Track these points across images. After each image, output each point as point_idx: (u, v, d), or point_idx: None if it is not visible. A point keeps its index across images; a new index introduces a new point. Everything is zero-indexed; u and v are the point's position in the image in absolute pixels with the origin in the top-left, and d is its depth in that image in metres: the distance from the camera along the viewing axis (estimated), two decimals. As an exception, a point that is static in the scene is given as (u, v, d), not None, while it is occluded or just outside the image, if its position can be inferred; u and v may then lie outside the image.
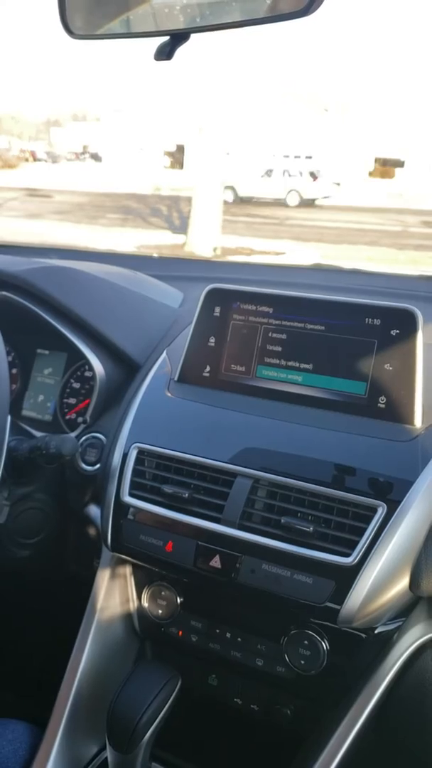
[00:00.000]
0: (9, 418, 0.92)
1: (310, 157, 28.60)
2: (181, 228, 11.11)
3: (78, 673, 0.96)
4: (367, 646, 0.87)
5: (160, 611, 0.99)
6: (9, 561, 1.07)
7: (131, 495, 0.95)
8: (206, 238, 9.33)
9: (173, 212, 14.47)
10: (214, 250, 9.20)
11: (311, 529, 0.83)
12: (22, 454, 1.00)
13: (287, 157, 28.42)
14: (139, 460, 0.98)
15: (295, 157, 28.46)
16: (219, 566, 0.87)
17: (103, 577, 1.03)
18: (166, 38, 0.62)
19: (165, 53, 0.62)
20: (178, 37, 0.62)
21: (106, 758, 0.86)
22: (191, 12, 0.63)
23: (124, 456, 0.99)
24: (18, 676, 1.12)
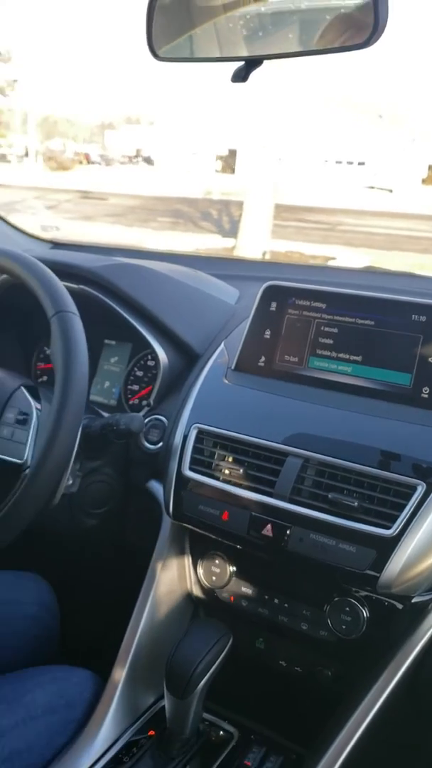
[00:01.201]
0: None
1: (362, 164, 28.47)
2: (231, 232, 11.22)
3: (138, 631, 1.06)
4: (403, 615, 0.95)
5: (213, 578, 1.09)
6: (78, 528, 1.18)
7: (191, 470, 1.06)
8: (256, 243, 9.42)
9: (223, 216, 14.59)
10: (264, 254, 9.28)
11: (356, 503, 0.92)
12: (94, 430, 1.11)
13: (339, 163, 28.36)
14: (198, 439, 1.07)
15: (348, 163, 28.38)
16: (270, 535, 0.96)
17: (162, 546, 1.13)
18: (242, 63, 0.72)
19: (240, 76, 0.72)
20: (252, 63, 0.72)
21: (163, 707, 0.97)
22: (264, 41, 0.73)
23: (185, 435, 1.09)
24: (82, 634, 1.23)
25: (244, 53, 0.75)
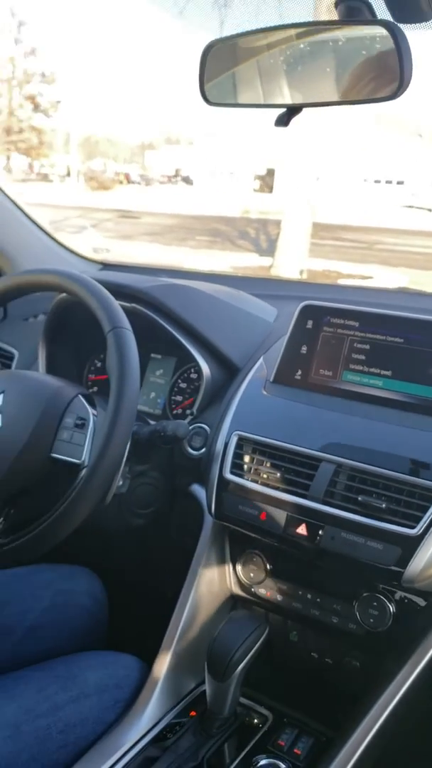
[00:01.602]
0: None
1: (401, 183, 28.45)
2: (268, 251, 11.34)
3: (181, 622, 1.15)
4: (426, 611, 1.02)
5: (251, 575, 1.18)
6: (127, 527, 1.28)
7: (232, 473, 1.15)
8: (293, 261, 9.52)
9: (261, 235, 14.75)
10: (301, 273, 9.37)
11: (383, 505, 1.00)
12: (142, 436, 1.21)
13: (378, 182, 28.39)
14: (239, 445, 1.17)
15: (387, 182, 28.40)
16: (305, 533, 1.05)
17: (204, 545, 1.22)
18: (284, 110, 0.82)
19: (283, 122, 0.82)
20: (293, 110, 0.82)
21: (203, 691, 1.06)
22: (303, 91, 0.83)
23: (226, 442, 1.18)
24: (129, 623, 1.32)
25: (286, 101, 0.85)
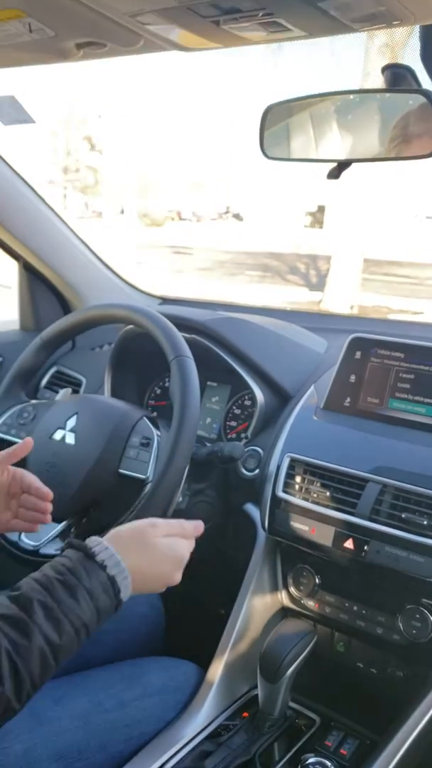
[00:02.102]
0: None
1: (452, 219, 28.28)
2: (318, 286, 11.44)
3: (235, 630, 1.24)
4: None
5: (301, 588, 1.26)
6: (184, 542, 1.37)
7: (284, 492, 1.24)
8: (343, 296, 9.59)
9: (311, 270, 14.87)
10: (351, 307, 9.44)
11: (425, 522, 1.07)
12: (201, 456, 1.31)
13: (430, 218, 28.28)
14: (290, 466, 1.26)
15: (437, 218, 28.25)
16: (352, 547, 1.13)
17: (257, 559, 1.31)
18: (335, 164, 0.93)
19: (334, 175, 0.93)
20: (342, 164, 0.92)
21: (255, 695, 1.14)
22: (352, 148, 0.94)
23: (279, 463, 1.28)
24: (185, 631, 1.41)
25: (336, 157, 0.96)
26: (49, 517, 1.07)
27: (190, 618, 1.46)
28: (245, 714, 1.15)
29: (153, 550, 0.89)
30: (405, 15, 0.72)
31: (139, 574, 0.86)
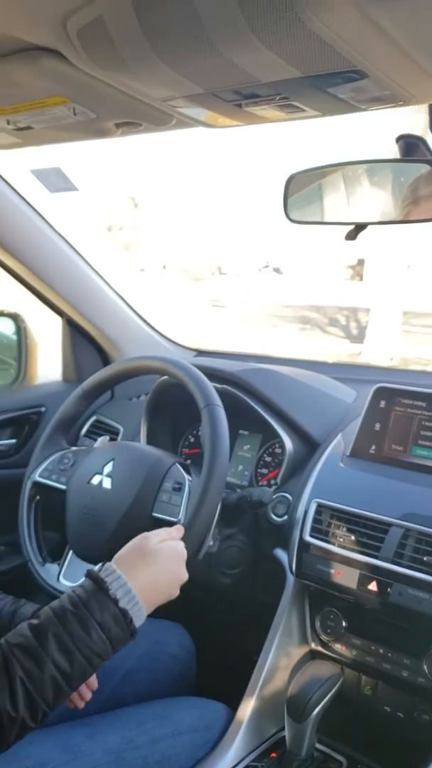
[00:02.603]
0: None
1: None
2: (359, 338, 11.47)
3: (263, 672, 1.27)
4: None
5: (329, 630, 1.29)
6: (215, 585, 1.42)
7: (311, 536, 1.28)
8: (383, 348, 9.61)
9: (351, 322, 14.90)
10: (391, 359, 9.43)
11: (447, 566, 1.11)
12: (231, 501, 1.36)
13: (469, 269, 28.17)
14: (318, 512, 1.31)
15: None
16: (376, 589, 1.17)
17: (285, 603, 1.34)
18: (353, 226, 1.01)
19: (351, 236, 1.01)
20: (359, 227, 1.00)
21: (283, 736, 1.16)
22: (368, 212, 1.01)
23: (306, 509, 1.32)
24: (216, 673, 1.44)
25: (353, 220, 1.04)
26: (82, 703, 1.11)
27: (220, 659, 1.49)
28: (273, 754, 1.18)
29: (155, 557, 0.96)
30: (407, 97, 0.80)
31: (154, 585, 0.94)
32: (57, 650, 0.82)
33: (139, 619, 0.90)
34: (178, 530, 1.06)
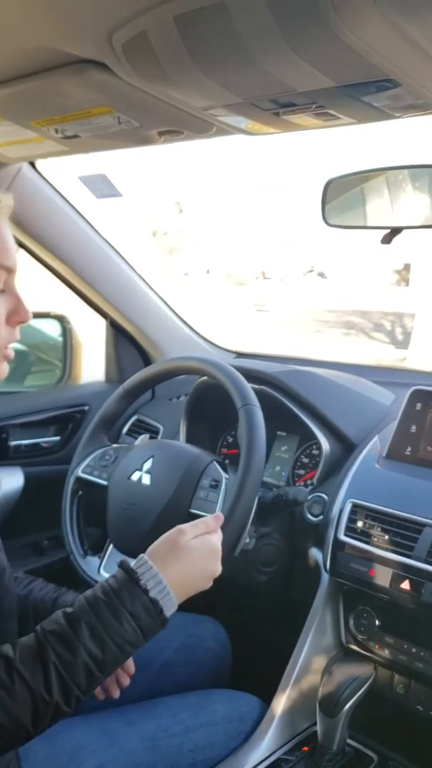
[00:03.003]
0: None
1: None
2: (404, 343, 11.37)
3: (297, 667, 1.29)
4: None
5: (362, 629, 1.31)
6: (251, 582, 1.45)
7: (345, 535, 1.30)
8: (427, 353, 9.51)
9: (396, 327, 14.77)
10: (435, 364, 9.33)
11: None
12: (267, 499, 1.39)
13: None
14: (353, 511, 1.32)
15: None
16: (408, 588, 1.18)
17: (320, 601, 1.36)
18: (388, 230, 1.03)
19: (386, 240, 1.03)
20: (395, 230, 1.02)
21: (315, 731, 1.19)
22: (404, 216, 1.03)
23: (342, 508, 1.34)
24: (252, 666, 1.47)
25: (389, 224, 1.06)
26: (117, 692, 1.15)
27: (254, 654, 1.52)
28: (305, 748, 1.20)
29: (188, 553, 0.98)
30: (440, 105, 0.82)
31: (185, 578, 0.97)
32: (89, 638, 0.85)
33: (169, 609, 0.92)
34: (217, 519, 1.08)
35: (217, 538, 1.05)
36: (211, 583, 1.02)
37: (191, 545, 1.00)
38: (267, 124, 0.97)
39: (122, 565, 0.94)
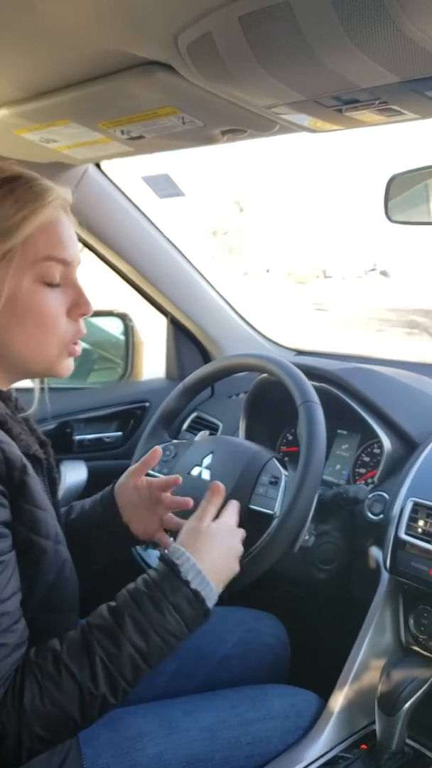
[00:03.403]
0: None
1: None
2: (469, 342, 11.10)
3: (355, 665, 1.29)
4: None
5: (422, 628, 1.29)
6: (310, 579, 1.45)
7: (406, 534, 1.29)
8: None
9: (461, 327, 14.43)
10: None
11: None
12: (327, 497, 1.39)
13: None
14: (414, 510, 1.31)
15: None
16: (469, 588, 1.17)
17: (379, 599, 1.35)
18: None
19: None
20: (458, 226, 1.01)
21: (374, 730, 1.18)
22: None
23: (402, 506, 1.33)
24: (310, 663, 1.47)
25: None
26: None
27: (313, 651, 1.52)
28: (363, 746, 1.20)
29: (213, 538, 1.01)
30: None
31: (219, 564, 0.99)
32: (134, 631, 0.87)
33: (210, 600, 0.94)
34: (217, 491, 1.10)
35: (230, 517, 1.08)
36: (239, 565, 1.04)
37: (213, 529, 1.03)
38: (330, 121, 0.97)
39: (163, 558, 0.96)
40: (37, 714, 0.81)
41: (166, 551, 0.99)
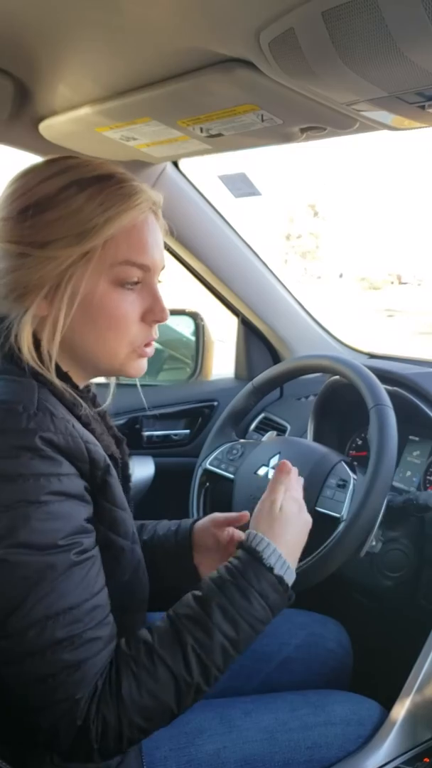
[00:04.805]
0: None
1: None
2: None
3: (420, 676, 1.25)
4: None
5: None
6: (376, 586, 1.42)
7: None
8: None
9: None
10: None
11: None
12: (396, 503, 1.36)
13: None
14: None
15: None
16: None
17: (448, 610, 1.32)
18: None
19: None
20: None
21: (437, 744, 1.15)
22: None
23: None
24: (373, 672, 1.45)
25: None
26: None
27: (376, 659, 1.49)
28: (426, 759, 1.16)
29: (287, 518, 1.01)
30: None
31: (295, 544, 1.01)
32: (222, 618, 0.88)
33: (291, 581, 0.96)
34: (283, 467, 1.08)
35: (294, 489, 1.07)
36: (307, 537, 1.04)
37: (286, 509, 1.02)
38: (412, 118, 0.95)
39: (243, 546, 0.96)
40: (135, 705, 0.82)
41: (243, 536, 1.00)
